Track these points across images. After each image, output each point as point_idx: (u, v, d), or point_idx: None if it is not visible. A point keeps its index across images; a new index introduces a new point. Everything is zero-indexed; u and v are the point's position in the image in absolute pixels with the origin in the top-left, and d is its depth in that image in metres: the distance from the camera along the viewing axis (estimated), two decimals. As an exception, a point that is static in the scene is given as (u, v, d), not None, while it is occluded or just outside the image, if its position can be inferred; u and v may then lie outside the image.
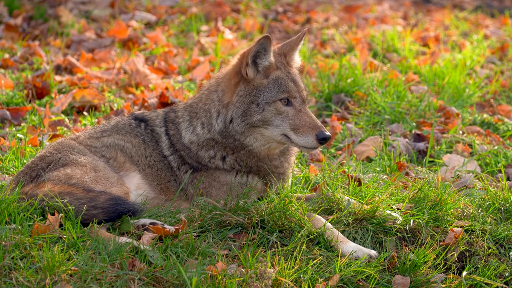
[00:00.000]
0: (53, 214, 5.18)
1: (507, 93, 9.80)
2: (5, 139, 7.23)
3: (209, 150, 5.82)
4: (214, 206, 5.56)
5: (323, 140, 5.60)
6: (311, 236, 5.45)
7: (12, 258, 4.87)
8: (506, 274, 5.63)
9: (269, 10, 14.40)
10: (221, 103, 5.77)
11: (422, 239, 5.70)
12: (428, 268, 5.47)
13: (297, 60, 5.94)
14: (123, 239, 5.11)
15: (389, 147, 7.56)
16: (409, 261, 5.41)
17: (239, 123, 5.69)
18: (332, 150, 7.62)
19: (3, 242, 4.90)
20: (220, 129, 5.76)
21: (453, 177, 6.85)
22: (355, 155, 7.33)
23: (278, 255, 5.23)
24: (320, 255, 5.36)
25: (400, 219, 5.71)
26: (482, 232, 5.85)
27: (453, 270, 5.62)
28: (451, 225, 5.79)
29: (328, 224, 5.50)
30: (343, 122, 8.23)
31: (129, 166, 5.75)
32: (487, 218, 5.93)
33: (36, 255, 4.86)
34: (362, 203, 5.76)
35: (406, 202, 5.88)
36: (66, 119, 7.92)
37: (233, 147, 5.77)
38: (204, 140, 5.83)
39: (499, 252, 5.80)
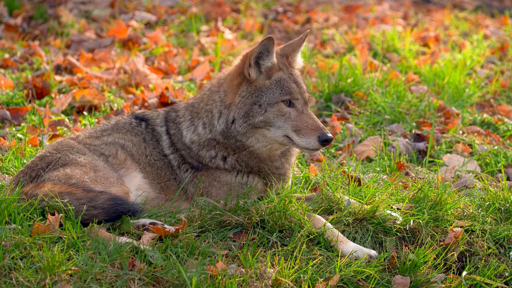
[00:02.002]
0: (53, 214, 5.18)
1: (507, 93, 9.80)
2: (5, 139, 7.23)
3: (210, 150, 5.82)
4: (214, 206, 5.56)
5: (325, 141, 5.61)
6: (311, 236, 5.45)
7: (12, 258, 4.87)
8: (506, 274, 5.63)
9: (269, 10, 14.40)
10: (223, 103, 5.77)
11: (422, 239, 5.70)
12: (428, 268, 5.47)
13: (299, 61, 5.94)
14: (123, 239, 5.11)
15: (389, 147, 7.56)
16: (409, 261, 5.41)
17: (241, 124, 5.70)
18: (332, 150, 7.62)
19: (3, 242, 4.90)
20: (221, 130, 5.76)
21: (453, 177, 6.85)
22: (355, 155, 7.33)
23: (278, 255, 5.22)
24: (320, 255, 5.36)
25: (400, 219, 5.71)
26: (482, 232, 5.85)
27: (453, 270, 5.62)
28: (451, 225, 5.79)
29: (328, 224, 5.50)
30: (343, 122, 8.23)
31: (130, 164, 5.75)
32: (487, 218, 5.93)
33: (36, 255, 4.86)
34: (362, 203, 5.76)
35: (406, 202, 5.88)
36: (66, 119, 7.92)
37: (235, 148, 5.77)
38: (206, 140, 5.83)
39: (499, 252, 5.80)
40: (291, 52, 5.88)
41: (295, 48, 5.89)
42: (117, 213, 5.25)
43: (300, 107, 5.69)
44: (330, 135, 5.60)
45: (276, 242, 5.42)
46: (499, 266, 5.64)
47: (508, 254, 5.79)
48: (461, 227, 5.80)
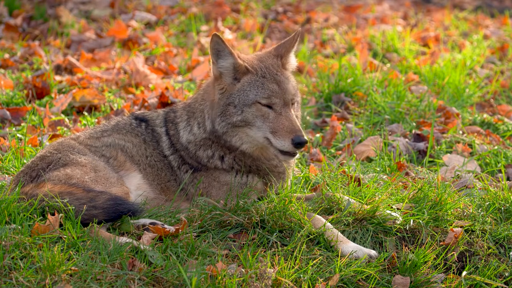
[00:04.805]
0: (53, 214, 5.18)
1: (507, 93, 9.80)
2: (5, 139, 7.23)
3: (206, 149, 5.82)
4: (214, 206, 5.56)
5: (298, 144, 5.53)
6: (311, 236, 5.45)
7: (12, 258, 4.87)
8: (506, 274, 5.63)
9: (269, 10, 14.40)
10: (210, 102, 5.78)
11: (422, 239, 5.70)
12: (428, 268, 5.47)
13: (292, 61, 5.89)
14: (123, 239, 5.11)
15: (389, 147, 7.56)
16: (409, 261, 5.41)
17: (220, 123, 5.69)
18: (332, 150, 7.62)
19: (3, 242, 4.90)
20: (210, 130, 5.76)
21: (453, 177, 6.85)
22: (355, 155, 7.33)
23: (278, 255, 5.22)
24: (320, 255, 5.36)
25: (400, 219, 5.71)
26: (482, 232, 5.85)
27: (453, 270, 5.62)
28: (451, 225, 5.79)
29: (328, 224, 5.50)
30: (343, 122, 8.23)
31: (129, 166, 5.75)
32: (487, 218, 5.93)
33: (36, 255, 4.86)
34: (362, 203, 5.76)
35: (406, 202, 5.88)
36: (66, 119, 7.92)
37: (228, 147, 5.76)
38: (201, 139, 5.83)
39: (499, 252, 5.80)
40: (285, 52, 5.84)
41: (288, 48, 5.84)
42: (117, 213, 5.25)
43: (278, 109, 5.63)
44: (304, 138, 5.52)
45: (276, 242, 5.42)
46: (499, 266, 5.64)
47: (508, 254, 5.79)
48: (461, 227, 5.80)
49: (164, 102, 8.34)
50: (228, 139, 5.71)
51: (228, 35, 12.09)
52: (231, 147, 5.74)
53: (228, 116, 5.66)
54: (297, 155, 5.64)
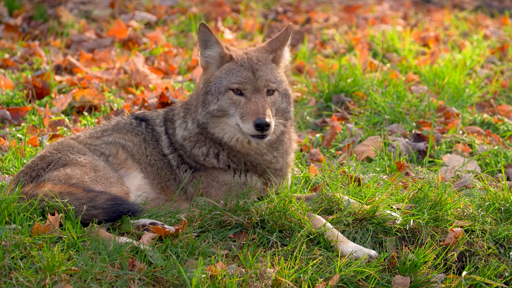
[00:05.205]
0: (53, 214, 5.18)
1: (507, 93, 9.80)
2: (5, 139, 7.23)
3: (201, 147, 5.82)
4: (214, 206, 5.56)
5: (257, 126, 5.53)
6: (311, 236, 5.45)
7: (12, 258, 4.87)
8: (506, 274, 5.63)
9: (269, 10, 14.40)
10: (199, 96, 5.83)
11: (422, 239, 5.70)
12: (428, 268, 5.48)
13: (286, 55, 5.92)
14: (123, 239, 5.11)
15: (389, 147, 7.56)
16: (409, 261, 5.41)
17: (201, 112, 5.73)
18: (332, 150, 7.62)
19: (3, 242, 4.91)
20: (197, 122, 5.79)
21: (453, 177, 6.85)
22: (355, 155, 7.33)
23: (278, 255, 5.23)
24: (320, 255, 5.36)
25: (400, 219, 5.71)
26: (482, 232, 5.85)
27: (453, 270, 5.62)
28: (451, 225, 5.80)
29: (328, 224, 5.50)
30: (343, 122, 8.23)
31: (131, 164, 5.75)
32: (487, 218, 5.93)
33: (36, 255, 4.86)
34: (362, 203, 5.76)
35: (406, 202, 5.88)
36: (66, 119, 7.92)
37: (215, 140, 5.77)
38: (195, 134, 5.84)
39: (499, 252, 5.80)
40: (280, 46, 5.87)
41: (283, 42, 5.88)
42: (117, 213, 5.25)
43: (249, 95, 5.66)
44: (266, 120, 5.52)
45: (276, 242, 5.42)
46: (499, 266, 5.64)
47: (508, 254, 5.79)
48: (461, 227, 5.80)
49: (164, 102, 8.34)
50: (211, 130, 5.74)
51: (228, 35, 12.09)
52: (217, 140, 5.76)
53: (207, 105, 5.71)
54: (267, 138, 5.62)
